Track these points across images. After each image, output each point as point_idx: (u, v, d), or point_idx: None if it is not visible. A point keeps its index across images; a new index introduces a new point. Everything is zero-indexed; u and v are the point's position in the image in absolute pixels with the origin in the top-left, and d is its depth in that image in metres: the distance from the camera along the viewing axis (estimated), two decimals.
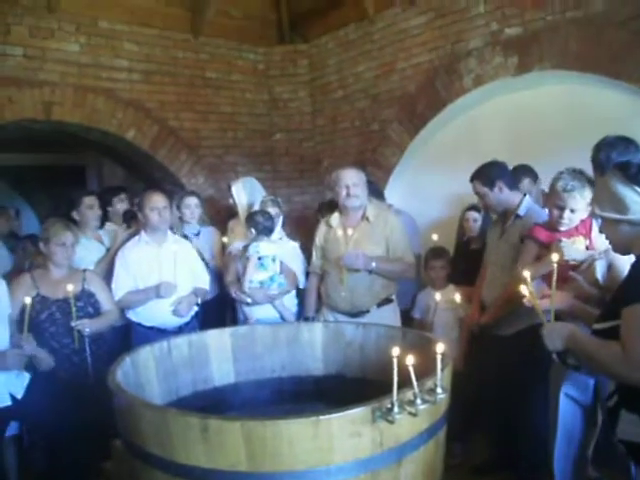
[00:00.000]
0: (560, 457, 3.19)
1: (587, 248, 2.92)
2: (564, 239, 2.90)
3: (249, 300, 4.27)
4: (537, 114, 5.14)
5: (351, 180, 4.10)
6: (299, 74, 7.07)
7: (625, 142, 3.17)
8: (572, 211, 2.94)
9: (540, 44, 4.88)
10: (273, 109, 7.12)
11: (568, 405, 3.12)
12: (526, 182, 4.57)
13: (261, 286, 4.25)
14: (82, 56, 5.75)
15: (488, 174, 3.76)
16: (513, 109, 5.36)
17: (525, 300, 2.47)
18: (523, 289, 2.41)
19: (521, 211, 3.66)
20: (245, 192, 5.21)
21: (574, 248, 2.84)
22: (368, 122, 6.46)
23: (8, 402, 3.41)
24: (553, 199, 2.95)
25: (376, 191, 5.12)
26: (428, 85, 5.78)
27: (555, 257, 2.43)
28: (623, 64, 4.39)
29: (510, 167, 3.93)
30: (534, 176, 4.60)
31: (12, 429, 3.70)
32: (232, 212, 5.48)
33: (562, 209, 2.93)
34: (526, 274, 2.41)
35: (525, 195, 3.76)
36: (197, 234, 5.11)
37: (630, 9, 4.33)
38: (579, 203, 2.93)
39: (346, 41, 6.60)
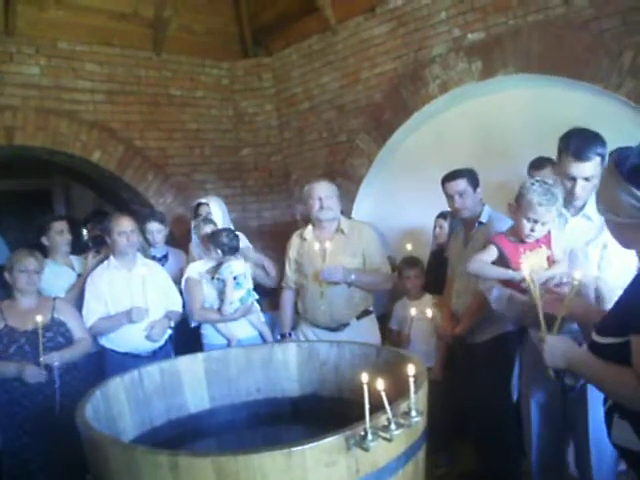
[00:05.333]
0: (538, 465, 3.18)
1: (548, 258, 2.91)
2: (524, 255, 2.88)
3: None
4: (503, 118, 5.15)
5: (324, 192, 4.13)
6: (264, 88, 6.98)
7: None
8: (543, 224, 2.92)
9: (503, 48, 4.89)
10: (239, 124, 7.02)
11: (539, 413, 3.12)
12: None
13: (242, 304, 4.21)
14: (43, 79, 5.63)
15: (475, 177, 3.83)
16: (479, 114, 5.36)
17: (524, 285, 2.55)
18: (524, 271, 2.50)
19: (483, 218, 3.76)
20: (220, 211, 5.12)
21: (535, 263, 2.81)
22: (335, 133, 6.41)
23: None
24: (525, 212, 2.91)
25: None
26: (393, 93, 5.76)
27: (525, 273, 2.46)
28: (586, 65, 4.41)
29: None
30: None
31: None
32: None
33: (535, 222, 2.91)
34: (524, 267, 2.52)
35: (484, 205, 3.85)
36: (165, 256, 5.00)
37: (590, 12, 4.36)
38: (552, 216, 2.91)
39: (309, 52, 6.55)
